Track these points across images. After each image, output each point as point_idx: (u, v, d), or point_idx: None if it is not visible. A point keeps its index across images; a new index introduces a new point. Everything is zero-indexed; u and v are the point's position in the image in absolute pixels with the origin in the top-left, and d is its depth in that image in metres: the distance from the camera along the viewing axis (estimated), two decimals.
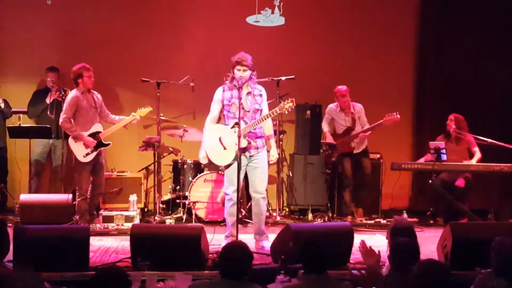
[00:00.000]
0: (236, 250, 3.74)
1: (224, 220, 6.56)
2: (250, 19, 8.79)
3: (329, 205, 8.12)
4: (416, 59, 9.18)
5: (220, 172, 7.54)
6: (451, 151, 8.02)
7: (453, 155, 8.01)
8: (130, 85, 8.57)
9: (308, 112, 8.40)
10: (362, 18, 9.01)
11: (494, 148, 7.95)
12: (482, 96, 8.94)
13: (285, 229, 5.68)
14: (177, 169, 8.09)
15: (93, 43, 8.60)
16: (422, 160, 8.19)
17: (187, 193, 7.76)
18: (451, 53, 8.99)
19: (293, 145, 8.74)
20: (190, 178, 7.94)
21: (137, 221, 7.24)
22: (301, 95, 8.25)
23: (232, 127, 6.01)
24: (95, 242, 6.31)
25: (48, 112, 7.90)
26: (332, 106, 8.17)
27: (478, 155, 7.99)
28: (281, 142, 8.21)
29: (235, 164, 5.99)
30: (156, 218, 7.59)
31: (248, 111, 6.14)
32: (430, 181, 8.03)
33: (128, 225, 6.79)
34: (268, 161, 6.37)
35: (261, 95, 6.24)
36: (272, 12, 8.83)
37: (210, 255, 5.61)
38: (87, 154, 7.09)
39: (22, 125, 7.88)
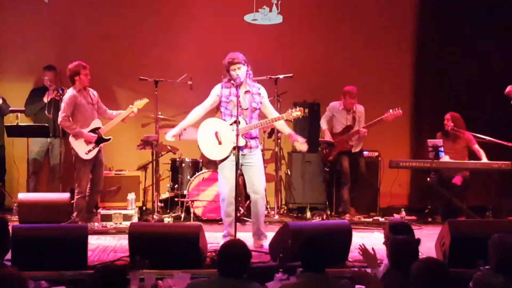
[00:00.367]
0: (234, 248, 3.74)
1: (222, 219, 6.54)
2: (248, 17, 8.79)
3: (327, 203, 8.12)
4: (414, 57, 9.17)
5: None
6: (449, 150, 8.03)
7: (452, 154, 8.03)
8: (128, 83, 8.56)
9: (306, 110, 8.38)
10: (360, 16, 9.00)
11: (493, 146, 7.96)
12: (481, 94, 8.94)
13: (283, 228, 5.68)
14: (175, 168, 8.09)
15: (91, 42, 8.59)
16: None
17: (185, 192, 7.75)
18: (449, 51, 8.99)
19: (291, 143, 8.71)
20: (188, 177, 7.94)
21: (135, 219, 7.25)
22: (299, 93, 8.26)
23: (231, 124, 6.00)
24: (93, 241, 6.31)
25: (46, 112, 7.89)
26: (335, 103, 8.18)
27: (482, 152, 7.98)
28: (279, 140, 8.21)
29: (229, 163, 5.99)
30: (154, 216, 7.59)
31: (246, 109, 6.14)
32: (428, 179, 8.03)
33: (126, 223, 6.80)
34: (299, 150, 6.32)
35: (259, 94, 6.23)
36: (270, 10, 8.83)
37: (209, 253, 5.62)
38: (89, 150, 7.09)
39: (20, 124, 7.87)
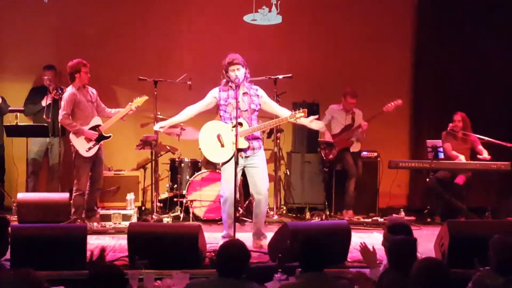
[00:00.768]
0: (233, 248, 3.74)
1: (221, 219, 6.55)
2: (247, 18, 8.79)
3: (326, 203, 8.12)
4: (414, 58, 9.18)
5: (217, 170, 7.53)
6: (454, 150, 8.02)
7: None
8: (127, 83, 8.55)
9: (305, 110, 8.39)
10: (359, 16, 9.01)
11: (492, 146, 7.96)
12: (481, 94, 8.95)
13: (282, 228, 5.68)
14: (175, 168, 8.08)
15: (90, 41, 8.59)
16: None
17: (184, 192, 7.75)
18: (449, 52, 8.99)
19: (290, 143, 8.73)
20: (188, 177, 7.94)
21: (134, 219, 7.25)
22: (298, 93, 8.26)
23: (233, 127, 6.00)
24: (93, 241, 6.29)
25: (44, 116, 7.86)
26: (334, 105, 8.20)
27: (485, 151, 7.98)
28: (278, 141, 8.21)
29: (232, 165, 5.99)
30: (153, 216, 7.58)
31: (245, 111, 6.14)
32: (427, 179, 8.03)
33: (126, 223, 6.80)
34: (314, 128, 6.41)
35: (257, 95, 6.23)
36: (269, 11, 8.83)
37: (208, 253, 5.61)
38: (90, 148, 7.09)
39: (19, 123, 7.87)
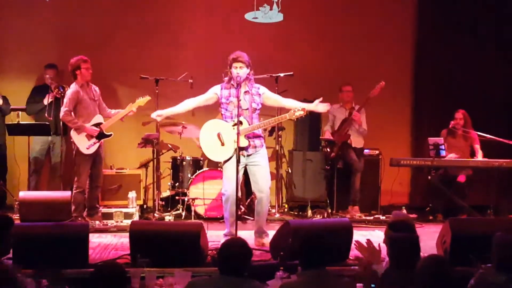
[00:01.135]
0: (235, 246, 3.74)
1: (223, 217, 6.55)
2: (249, 16, 8.77)
3: (328, 201, 8.12)
4: (414, 55, 9.17)
5: (219, 169, 7.53)
6: (454, 147, 8.04)
7: (456, 151, 8.04)
8: (129, 82, 8.56)
9: (304, 108, 8.38)
10: (360, 13, 9.00)
11: (494, 144, 7.96)
12: (482, 92, 8.95)
13: (284, 226, 5.68)
14: (176, 166, 8.09)
15: (92, 40, 8.59)
16: None
17: (186, 190, 7.76)
18: (449, 48, 8.98)
19: (292, 141, 8.74)
20: (189, 175, 7.94)
21: (136, 218, 7.25)
22: (300, 91, 8.24)
23: (234, 125, 6.00)
24: (94, 239, 6.32)
25: (46, 114, 7.87)
26: (335, 105, 8.19)
27: (480, 153, 8.02)
28: (280, 139, 8.21)
29: (233, 163, 5.99)
30: (155, 215, 7.59)
31: (246, 110, 6.14)
32: (429, 177, 8.03)
33: (127, 222, 6.80)
34: (321, 111, 6.42)
35: (259, 94, 6.23)
36: (271, 9, 8.81)
37: (210, 251, 5.61)
38: (90, 145, 7.11)
39: (21, 122, 7.88)
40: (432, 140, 7.98)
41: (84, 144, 7.11)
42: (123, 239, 6.30)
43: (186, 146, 8.22)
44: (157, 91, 7.77)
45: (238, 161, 5.89)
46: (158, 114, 6.49)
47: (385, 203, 8.53)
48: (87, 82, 7.21)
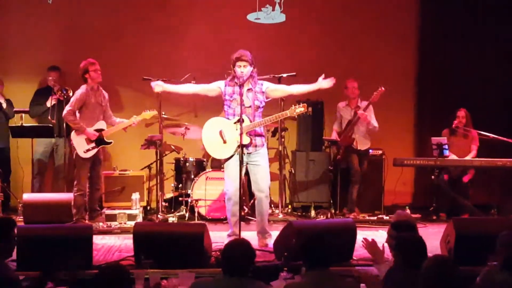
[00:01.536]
0: (238, 247, 3.74)
1: (226, 218, 6.55)
2: (251, 16, 8.78)
3: (331, 201, 8.11)
4: (417, 55, 9.17)
5: (222, 169, 7.53)
6: (455, 146, 8.03)
7: (457, 151, 8.04)
8: (132, 83, 8.57)
9: (310, 109, 8.39)
10: (363, 14, 9.00)
11: (497, 143, 7.95)
12: (484, 92, 8.94)
13: (287, 226, 5.67)
14: (179, 167, 8.09)
15: (95, 42, 8.60)
16: None
17: (189, 191, 7.76)
18: (452, 49, 8.98)
19: (295, 142, 8.73)
20: (193, 176, 7.94)
21: (139, 219, 7.25)
22: None
23: (235, 123, 6.01)
24: (98, 241, 6.32)
25: (49, 117, 7.88)
26: (341, 104, 8.18)
27: (473, 153, 8.04)
28: (283, 139, 8.21)
29: (234, 162, 6.00)
30: (158, 216, 7.60)
31: (249, 107, 6.14)
32: (432, 177, 8.02)
33: (131, 223, 6.79)
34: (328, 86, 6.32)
35: (262, 92, 6.23)
36: (273, 9, 8.83)
37: (213, 252, 5.61)
38: (88, 150, 7.10)
39: (24, 124, 7.89)
40: (435, 140, 7.97)
41: (82, 147, 7.10)
42: (127, 241, 6.31)
43: (189, 148, 8.22)
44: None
45: (241, 162, 5.89)
46: (158, 84, 6.47)
47: (388, 203, 8.53)
48: (97, 85, 7.21)
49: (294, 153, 8.66)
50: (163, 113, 7.86)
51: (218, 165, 7.76)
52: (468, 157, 8.04)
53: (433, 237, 6.05)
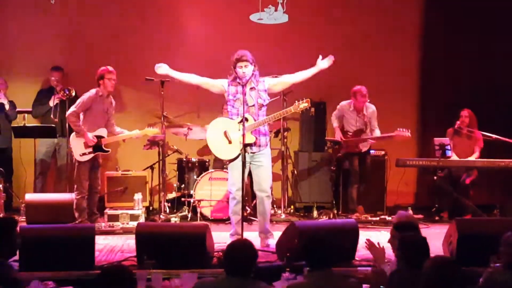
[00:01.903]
0: (241, 248, 3.74)
1: (229, 218, 6.55)
2: (254, 17, 8.78)
3: (334, 202, 8.10)
4: (420, 56, 9.16)
5: (224, 170, 7.53)
6: (459, 147, 8.03)
7: (461, 151, 8.03)
8: (134, 84, 8.57)
9: (312, 109, 8.41)
10: (366, 15, 8.99)
11: (499, 144, 7.94)
12: (488, 93, 8.92)
13: (290, 227, 5.67)
14: (182, 168, 8.09)
15: (97, 42, 8.62)
16: None
17: (192, 192, 7.76)
18: (456, 50, 8.96)
19: (297, 142, 8.73)
20: (195, 177, 7.94)
21: (142, 219, 7.26)
22: (305, 92, 8.20)
23: (239, 122, 6.00)
24: (101, 241, 6.32)
25: (52, 116, 7.89)
26: (345, 103, 8.12)
27: (476, 154, 8.03)
28: (285, 140, 8.21)
29: (238, 161, 5.99)
30: (161, 216, 7.59)
31: (252, 106, 6.14)
32: (435, 177, 8.01)
33: (133, 223, 6.79)
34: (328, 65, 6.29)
35: (265, 90, 6.23)
36: (276, 10, 8.83)
37: (216, 253, 5.61)
38: (84, 154, 7.07)
39: (27, 124, 7.90)
40: (438, 140, 7.96)
41: (79, 150, 7.07)
42: (129, 241, 6.30)
43: (192, 148, 8.21)
44: (162, 93, 7.77)
45: (244, 163, 5.88)
46: (161, 67, 6.45)
47: (391, 204, 8.52)
48: (108, 93, 7.20)
49: (296, 153, 8.66)
50: (165, 113, 7.85)
51: (220, 165, 7.77)
52: (471, 158, 8.03)
53: (436, 237, 6.04)
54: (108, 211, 7.34)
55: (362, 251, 5.53)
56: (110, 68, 7.16)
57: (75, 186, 7.15)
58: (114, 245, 6.35)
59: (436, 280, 3.27)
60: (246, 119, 5.95)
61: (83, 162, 7.09)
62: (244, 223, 6.10)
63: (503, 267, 3.72)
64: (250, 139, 6.02)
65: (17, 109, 8.21)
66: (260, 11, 8.78)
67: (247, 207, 7.47)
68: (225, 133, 6.19)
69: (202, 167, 8.04)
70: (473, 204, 7.90)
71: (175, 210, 7.92)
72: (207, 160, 8.14)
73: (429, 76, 9.12)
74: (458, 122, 8.10)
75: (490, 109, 8.75)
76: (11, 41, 8.68)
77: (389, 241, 4.34)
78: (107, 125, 7.29)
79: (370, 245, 4.42)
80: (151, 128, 7.45)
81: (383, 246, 4.40)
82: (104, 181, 7.81)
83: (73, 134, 7.16)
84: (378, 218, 7.89)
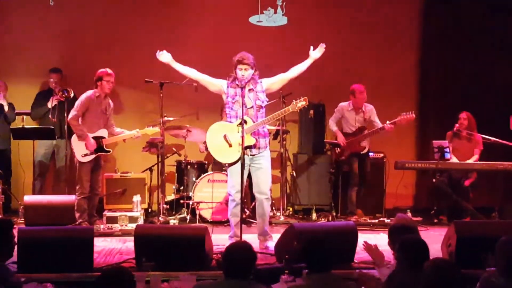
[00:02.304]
0: (240, 250, 3.74)
1: (228, 220, 6.55)
2: (253, 19, 8.78)
3: (333, 204, 8.11)
4: (420, 58, 9.17)
5: (223, 172, 7.53)
6: (459, 150, 8.03)
7: (461, 154, 8.04)
8: (134, 85, 8.58)
9: (311, 111, 8.41)
10: (365, 16, 9.01)
11: (498, 147, 7.95)
12: (486, 94, 8.94)
13: (289, 229, 5.67)
14: (181, 170, 8.09)
15: (96, 44, 8.62)
16: None
17: (190, 194, 7.76)
18: (454, 51, 8.98)
19: (296, 144, 8.73)
20: (194, 179, 7.94)
21: (141, 221, 7.25)
22: (304, 94, 8.19)
23: (238, 125, 6.00)
24: (99, 243, 6.31)
25: (50, 116, 7.89)
26: (344, 104, 8.13)
27: (476, 157, 8.04)
28: (284, 142, 8.21)
29: (239, 164, 5.99)
30: (160, 218, 7.59)
31: (251, 108, 6.14)
32: (434, 180, 8.02)
33: (132, 225, 6.79)
34: (319, 55, 6.31)
35: (263, 91, 6.23)
36: (275, 12, 8.82)
37: (214, 255, 5.61)
38: (85, 155, 7.09)
39: (25, 126, 7.90)
40: (436, 143, 7.97)
41: (80, 151, 7.07)
42: (128, 243, 6.30)
43: (191, 150, 8.21)
44: (161, 94, 7.77)
45: (242, 166, 5.88)
46: (164, 54, 6.45)
47: (390, 206, 8.52)
48: (105, 94, 7.21)
49: (295, 155, 8.66)
50: (165, 115, 7.85)
51: (219, 167, 7.76)
52: (470, 161, 8.04)
53: (435, 240, 6.04)
54: (107, 213, 7.33)
55: (361, 254, 5.53)
56: (109, 70, 7.17)
57: (77, 186, 7.16)
58: (112, 247, 6.34)
59: (436, 281, 3.27)
60: (245, 122, 5.95)
61: (84, 162, 7.09)
62: (243, 225, 6.09)
63: (498, 272, 3.71)
64: (250, 141, 6.03)
65: (16, 111, 8.21)
66: (259, 13, 8.78)
67: (246, 209, 7.46)
68: (224, 136, 6.19)
69: (201, 169, 8.04)
70: (472, 206, 7.90)
71: (174, 212, 7.92)
72: (206, 162, 8.13)
73: (428, 79, 9.13)
74: (456, 125, 8.11)
75: (488, 112, 8.76)
76: (10, 43, 8.68)
77: (388, 244, 4.35)
78: (106, 126, 7.30)
79: (367, 246, 4.42)
80: (151, 128, 7.46)
81: (381, 250, 4.41)
82: (103, 183, 7.81)
83: (74, 136, 7.15)
84: (377, 221, 7.89)
